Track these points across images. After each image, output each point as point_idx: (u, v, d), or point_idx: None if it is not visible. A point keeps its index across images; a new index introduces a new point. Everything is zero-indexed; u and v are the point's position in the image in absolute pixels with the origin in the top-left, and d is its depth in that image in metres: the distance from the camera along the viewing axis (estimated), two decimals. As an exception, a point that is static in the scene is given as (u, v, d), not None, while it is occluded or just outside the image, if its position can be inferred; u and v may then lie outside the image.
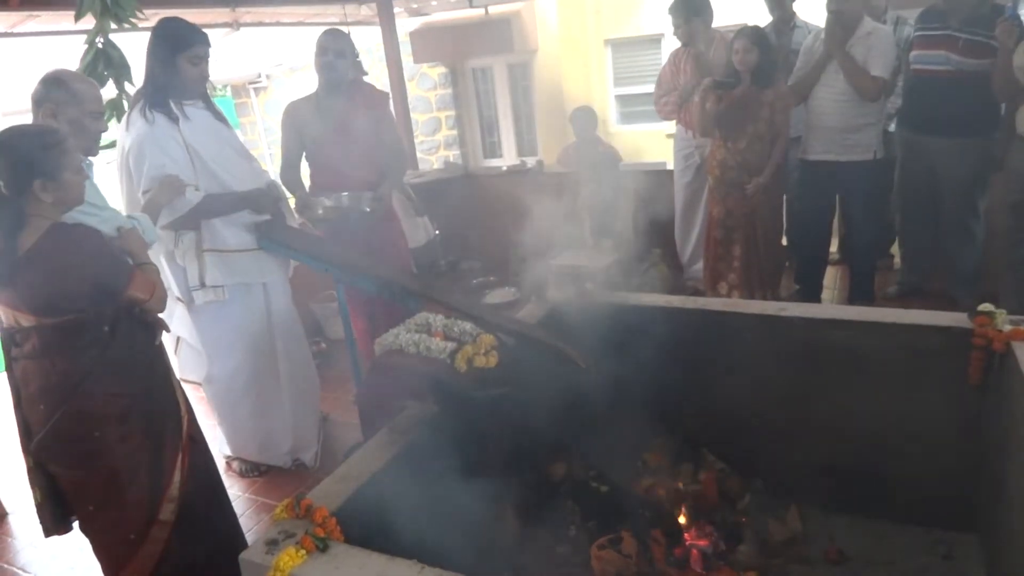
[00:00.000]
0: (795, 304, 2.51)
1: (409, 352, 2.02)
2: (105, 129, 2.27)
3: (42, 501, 1.95)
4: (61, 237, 1.79)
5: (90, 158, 2.20)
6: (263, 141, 9.62)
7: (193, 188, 2.59)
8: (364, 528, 1.55)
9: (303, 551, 1.40)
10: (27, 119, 2.07)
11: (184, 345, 2.94)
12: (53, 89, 2.11)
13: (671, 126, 4.39)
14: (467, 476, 1.87)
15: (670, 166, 4.49)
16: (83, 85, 2.18)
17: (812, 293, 3.92)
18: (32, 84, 2.15)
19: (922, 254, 3.88)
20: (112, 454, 1.88)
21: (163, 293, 1.99)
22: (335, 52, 3.01)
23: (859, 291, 3.83)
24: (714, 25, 4.02)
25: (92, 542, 2.01)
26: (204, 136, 2.68)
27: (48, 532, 1.99)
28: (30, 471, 1.93)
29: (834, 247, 4.41)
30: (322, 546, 1.42)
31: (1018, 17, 3.36)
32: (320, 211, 3.05)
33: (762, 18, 4.06)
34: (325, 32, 3.07)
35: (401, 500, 1.70)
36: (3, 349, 1.90)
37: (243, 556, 1.45)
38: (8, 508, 3.07)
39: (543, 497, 2.28)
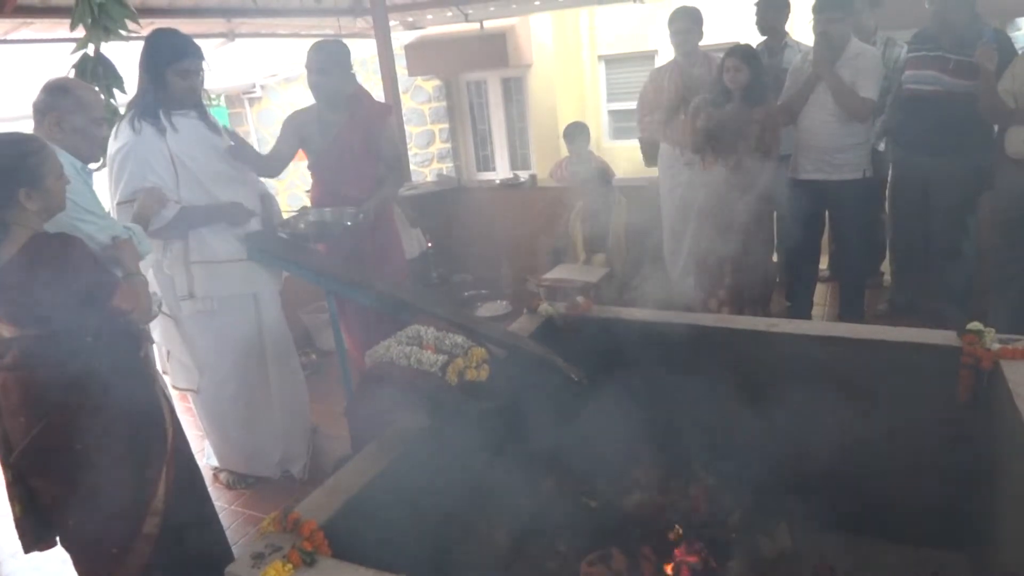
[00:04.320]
0: (785, 320, 2.53)
1: (400, 364, 2.01)
2: (107, 135, 2.27)
3: (22, 516, 1.91)
4: (42, 247, 1.76)
5: (91, 165, 2.20)
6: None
7: (173, 202, 2.59)
8: (352, 542, 1.53)
9: (290, 565, 1.39)
10: (20, 126, 2.06)
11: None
12: (59, 97, 2.10)
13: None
14: (456, 490, 1.86)
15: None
16: (87, 92, 2.20)
17: (802, 310, 3.94)
18: (24, 91, 2.14)
19: (912, 272, 3.91)
20: (94, 467, 1.85)
21: (147, 305, 1.98)
22: (317, 71, 2.97)
23: (849, 308, 3.85)
24: (705, 43, 4.07)
25: (72, 557, 1.98)
26: (192, 147, 2.66)
27: (28, 548, 1.95)
28: (9, 485, 1.90)
29: (824, 264, 4.44)
30: (309, 560, 1.40)
31: (1007, 39, 3.42)
32: (302, 225, 3.03)
33: (753, 36, 4.10)
34: (310, 48, 3.02)
35: (390, 513, 1.69)
36: (-18, 361, 1.87)
37: (229, 570, 1.43)
38: (-10, 519, 3.02)
39: (533, 512, 2.26)
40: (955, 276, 3.66)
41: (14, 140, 1.78)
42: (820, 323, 3.64)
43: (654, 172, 4.48)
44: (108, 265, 1.99)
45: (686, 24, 3.91)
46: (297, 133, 3.13)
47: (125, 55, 3.05)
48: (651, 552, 2.09)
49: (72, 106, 2.09)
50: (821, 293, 4.33)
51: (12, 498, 1.91)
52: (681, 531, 2.18)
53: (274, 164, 3.11)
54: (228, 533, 2.49)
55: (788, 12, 4.00)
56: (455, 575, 1.70)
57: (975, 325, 2.06)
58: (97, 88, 2.85)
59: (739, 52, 3.40)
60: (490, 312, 4.88)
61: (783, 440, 2.30)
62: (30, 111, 2.13)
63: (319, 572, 1.39)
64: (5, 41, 4.34)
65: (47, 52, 4.45)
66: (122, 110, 2.82)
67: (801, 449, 2.29)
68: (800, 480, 2.27)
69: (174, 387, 2.93)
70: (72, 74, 2.91)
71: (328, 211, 3.06)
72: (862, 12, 3.73)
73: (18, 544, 1.97)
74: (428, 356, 1.98)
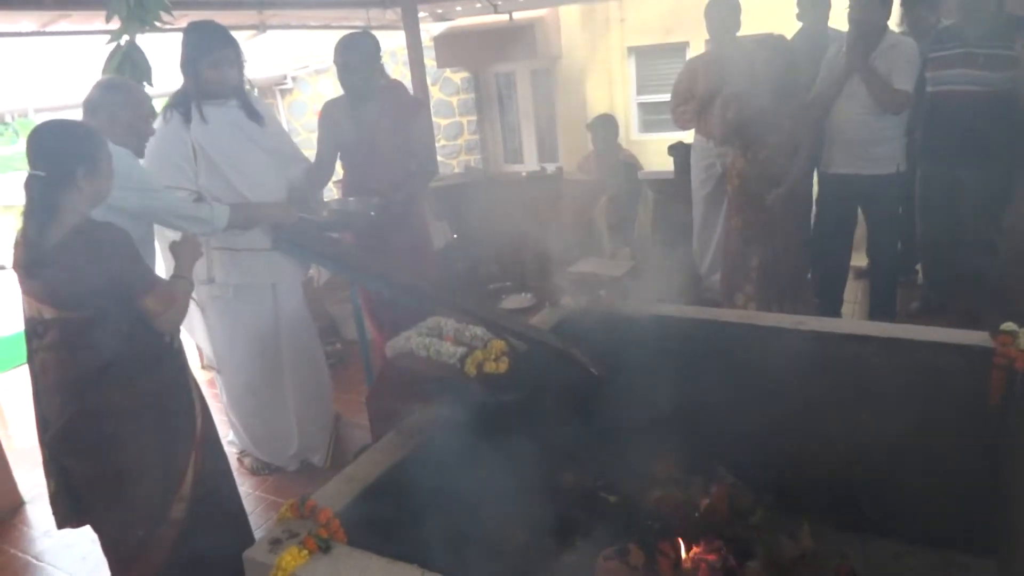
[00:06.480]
0: (812, 318, 2.48)
1: (419, 356, 2.02)
2: (153, 132, 2.37)
3: (56, 492, 1.98)
4: (89, 233, 1.82)
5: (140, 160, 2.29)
6: (288, 142, 9.74)
7: (194, 193, 2.64)
8: (368, 530, 1.55)
9: (306, 551, 1.41)
10: (61, 116, 2.12)
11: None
12: (112, 93, 2.23)
13: (692, 135, 4.37)
14: (474, 481, 1.87)
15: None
16: (138, 91, 2.34)
17: (832, 307, 3.87)
18: (63, 83, 2.22)
19: (944, 271, 3.81)
20: (125, 450, 1.90)
21: (179, 314, 1.99)
22: (344, 65, 2.98)
23: (880, 306, 3.77)
24: (743, 33, 4.00)
25: (101, 537, 2.04)
26: (220, 137, 2.68)
27: (61, 524, 2.02)
28: (46, 463, 1.97)
29: (859, 261, 4.33)
30: (324, 547, 1.43)
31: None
32: (325, 213, 3.04)
33: (790, 27, 4.00)
34: (338, 43, 3.02)
35: (406, 503, 1.70)
36: (25, 340, 1.93)
37: (246, 554, 1.47)
38: (25, 497, 3.12)
39: (551, 505, 2.26)
40: (988, 274, 3.55)
41: (75, 124, 1.89)
42: (848, 321, 3.58)
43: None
44: (169, 256, 2.06)
45: (724, 14, 3.85)
46: (331, 125, 3.14)
47: (162, 47, 3.11)
48: (669, 548, 2.07)
49: (124, 102, 2.23)
50: (853, 290, 4.24)
51: (48, 475, 1.98)
52: (700, 528, 2.16)
53: (323, 171, 3.13)
54: (252, 518, 2.53)
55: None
56: (470, 566, 1.71)
57: (1009, 325, 2.00)
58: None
59: (771, 44, 3.34)
60: (514, 304, 4.88)
61: (808, 439, 2.27)
62: (70, 101, 2.22)
63: (334, 559, 1.41)
64: (44, 33, 4.43)
65: (85, 44, 4.54)
66: (155, 102, 2.87)
67: (826, 448, 2.26)
68: (824, 479, 2.23)
69: (203, 368, 2.99)
70: (104, 66, 2.97)
71: (352, 200, 3.08)
72: (920, 9, 3.63)
73: (51, 522, 2.03)
74: (447, 347, 1.99)
